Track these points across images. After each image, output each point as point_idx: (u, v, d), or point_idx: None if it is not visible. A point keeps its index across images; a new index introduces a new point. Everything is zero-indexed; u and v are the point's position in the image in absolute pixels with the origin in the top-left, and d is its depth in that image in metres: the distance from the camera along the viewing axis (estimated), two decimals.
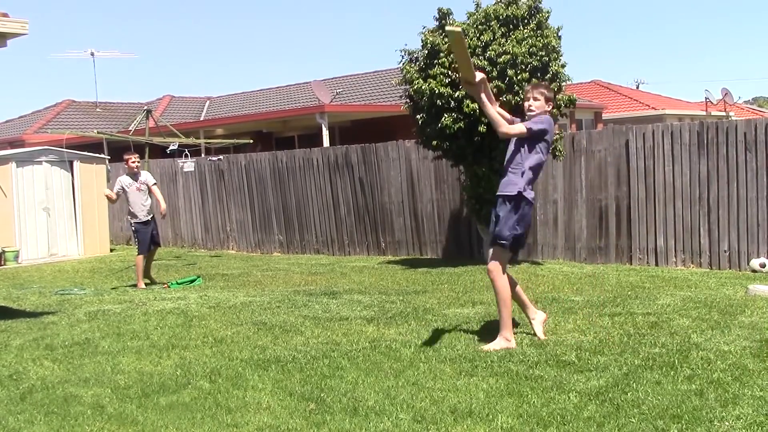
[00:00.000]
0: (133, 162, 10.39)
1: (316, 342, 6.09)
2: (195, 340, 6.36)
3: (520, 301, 5.95)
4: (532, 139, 5.52)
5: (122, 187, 10.32)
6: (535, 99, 5.63)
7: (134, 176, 10.36)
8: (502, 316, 5.59)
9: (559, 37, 10.74)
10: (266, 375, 5.14)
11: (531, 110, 5.64)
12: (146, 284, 10.44)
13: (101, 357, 5.89)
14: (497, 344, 5.54)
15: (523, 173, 5.51)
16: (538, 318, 5.95)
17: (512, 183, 5.54)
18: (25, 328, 7.16)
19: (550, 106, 5.73)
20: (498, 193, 5.69)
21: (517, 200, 5.52)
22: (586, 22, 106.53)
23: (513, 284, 5.81)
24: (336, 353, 5.62)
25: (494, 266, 5.59)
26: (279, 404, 4.51)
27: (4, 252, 14.48)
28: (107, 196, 10.77)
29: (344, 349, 5.76)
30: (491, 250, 5.69)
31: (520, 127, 5.55)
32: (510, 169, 5.58)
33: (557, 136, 10.94)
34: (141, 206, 10.32)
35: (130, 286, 10.58)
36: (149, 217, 10.43)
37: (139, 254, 10.40)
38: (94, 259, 15.12)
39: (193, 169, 15.06)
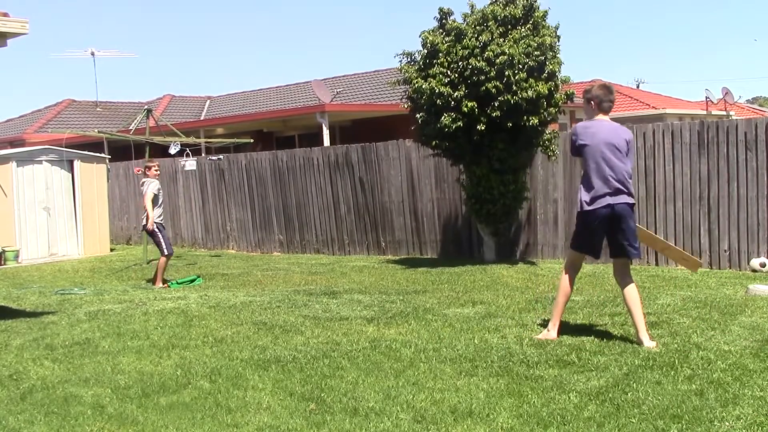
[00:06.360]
0: (157, 170, 10.97)
1: (316, 342, 6.09)
2: (195, 340, 6.36)
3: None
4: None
5: (158, 189, 10.81)
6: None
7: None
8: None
9: (558, 36, 10.73)
10: (266, 375, 5.13)
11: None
12: (143, 285, 10.63)
13: (101, 357, 5.89)
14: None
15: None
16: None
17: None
18: (25, 328, 7.16)
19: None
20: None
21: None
22: (586, 22, 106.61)
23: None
24: (336, 353, 5.62)
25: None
26: (279, 404, 4.51)
27: (4, 251, 14.48)
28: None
29: (344, 349, 5.76)
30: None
31: None
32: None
33: (549, 136, 10.93)
34: (161, 209, 10.97)
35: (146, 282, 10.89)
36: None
37: (164, 255, 10.59)
38: (94, 258, 15.12)
39: (194, 167, 15.06)
